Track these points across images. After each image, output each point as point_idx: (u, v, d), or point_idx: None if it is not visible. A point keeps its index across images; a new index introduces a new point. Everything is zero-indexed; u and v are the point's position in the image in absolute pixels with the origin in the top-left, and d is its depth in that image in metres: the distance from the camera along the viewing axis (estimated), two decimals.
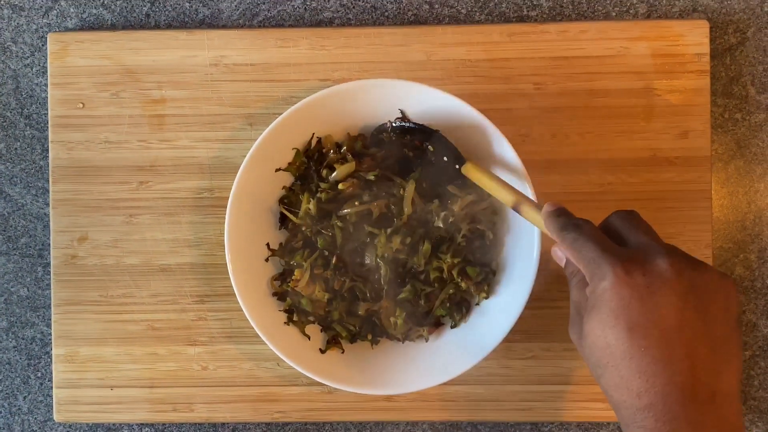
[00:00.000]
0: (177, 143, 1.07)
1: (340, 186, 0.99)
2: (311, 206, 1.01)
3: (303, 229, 1.08)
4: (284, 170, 1.01)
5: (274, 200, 1.02)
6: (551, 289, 1.05)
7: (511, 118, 1.02)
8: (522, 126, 1.05)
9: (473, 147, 0.97)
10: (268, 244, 1.03)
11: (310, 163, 1.02)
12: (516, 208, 0.90)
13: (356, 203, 0.99)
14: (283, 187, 1.03)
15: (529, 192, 0.93)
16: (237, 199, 0.96)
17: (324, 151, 1.01)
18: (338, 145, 1.01)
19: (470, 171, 0.96)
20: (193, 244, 1.06)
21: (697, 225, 1.04)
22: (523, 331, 1.02)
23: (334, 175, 1.00)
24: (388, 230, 1.07)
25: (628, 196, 1.05)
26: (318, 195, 0.99)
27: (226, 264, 0.96)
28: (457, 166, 0.97)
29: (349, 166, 1.01)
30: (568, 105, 1.06)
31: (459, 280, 1.02)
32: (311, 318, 1.02)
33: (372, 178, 0.99)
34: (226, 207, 0.95)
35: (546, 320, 1.05)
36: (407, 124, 0.99)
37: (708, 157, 1.04)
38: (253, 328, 0.96)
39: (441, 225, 1.00)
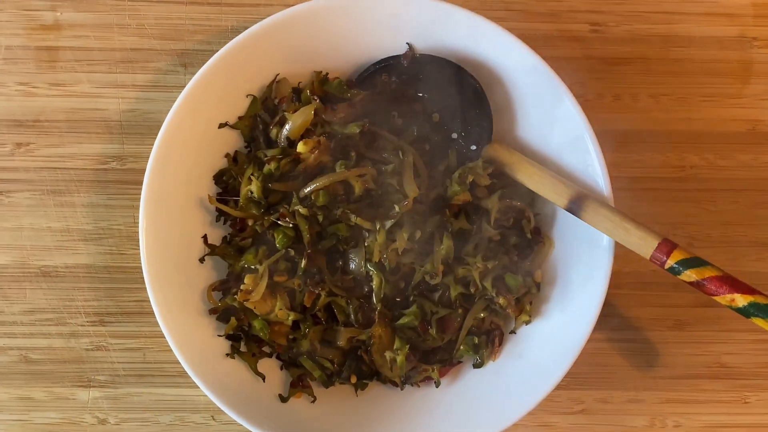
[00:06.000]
0: (74, 89, 0.86)
1: (299, 148, 0.77)
2: (254, 188, 0.77)
3: (250, 223, 0.80)
4: (232, 127, 0.81)
5: (211, 177, 0.82)
6: (613, 313, 0.87)
7: (559, 70, 0.79)
8: (573, 82, 0.86)
9: (510, 109, 0.82)
10: (205, 237, 0.80)
11: (258, 119, 0.81)
12: (573, 210, 0.76)
13: (325, 176, 0.76)
14: (227, 156, 0.82)
15: (602, 184, 0.77)
16: (158, 173, 0.76)
17: (276, 101, 0.81)
18: (297, 92, 0.81)
19: (500, 152, 0.80)
20: (92, 238, 0.86)
21: None
22: (571, 375, 0.78)
23: (286, 128, 0.78)
24: (387, 223, 0.76)
25: (718, 185, 0.89)
26: (266, 167, 0.77)
27: (139, 267, 0.77)
28: (474, 147, 0.81)
29: (306, 112, 0.77)
30: (636, 55, 0.89)
31: (493, 295, 0.79)
32: (267, 349, 0.81)
33: (350, 132, 0.78)
34: (142, 184, 0.76)
35: (604, 358, 0.88)
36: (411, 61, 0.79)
37: None
38: (178, 361, 0.76)
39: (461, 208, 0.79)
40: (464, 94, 0.80)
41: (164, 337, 0.79)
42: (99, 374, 0.86)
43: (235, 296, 0.77)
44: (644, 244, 0.73)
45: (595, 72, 0.89)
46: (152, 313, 0.79)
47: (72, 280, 0.86)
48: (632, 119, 0.89)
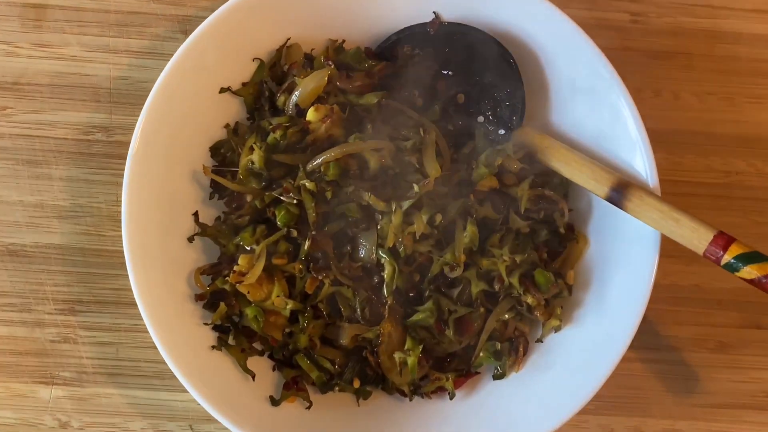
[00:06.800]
0: (62, 51, 0.81)
1: (309, 116, 0.71)
2: (255, 157, 0.70)
3: (248, 199, 0.73)
4: (234, 93, 0.75)
5: (206, 149, 0.76)
6: (648, 330, 0.81)
7: None
8: None
9: (544, 91, 0.76)
10: (196, 214, 0.74)
11: (264, 86, 0.75)
12: (614, 199, 0.70)
13: (338, 147, 0.70)
14: (226, 126, 0.75)
15: (650, 174, 0.72)
16: (145, 143, 0.71)
17: (286, 68, 0.75)
18: (310, 59, 0.76)
19: (532, 137, 0.74)
20: (68, 215, 0.80)
21: None
22: (601, 398, 0.74)
23: (295, 95, 0.72)
24: (404, 203, 0.69)
25: (766, 194, 0.84)
26: (271, 136, 0.71)
27: (119, 251, 0.74)
28: (502, 131, 0.75)
29: (319, 76, 0.71)
30: (679, 49, 0.85)
31: (520, 293, 0.71)
32: (258, 346, 0.74)
33: (367, 103, 0.72)
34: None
35: (637, 381, 0.81)
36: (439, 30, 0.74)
37: None
38: (154, 360, 0.77)
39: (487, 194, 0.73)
40: (495, 71, 0.74)
41: (141, 332, 0.77)
42: (64, 370, 0.79)
43: (227, 278, 0.69)
44: (697, 237, 0.66)
45: (633, 65, 0.84)
46: (130, 304, 0.76)
47: (41, 262, 0.79)
48: (673, 118, 0.84)
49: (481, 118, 0.75)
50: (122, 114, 0.80)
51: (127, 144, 0.74)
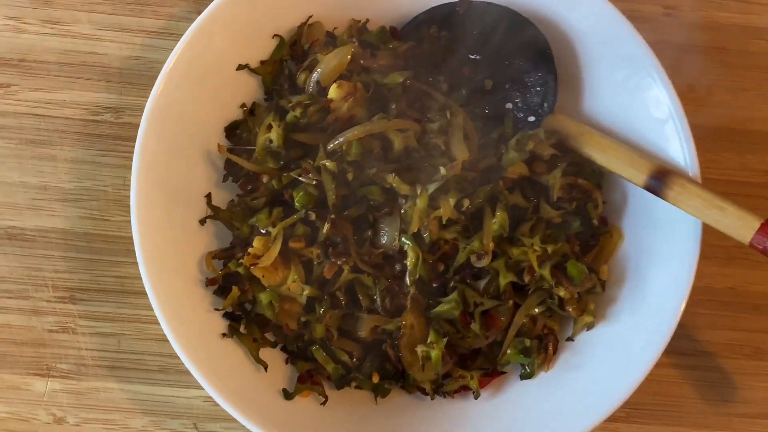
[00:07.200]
0: (71, 28, 0.79)
1: (331, 93, 0.68)
2: (274, 135, 0.68)
3: (264, 180, 0.69)
4: (252, 71, 0.72)
5: (221, 130, 0.73)
6: (683, 335, 0.77)
7: None
8: None
9: (577, 77, 0.74)
10: (208, 197, 0.71)
11: (284, 64, 0.72)
12: (654, 188, 0.68)
13: (360, 126, 0.67)
14: (243, 107, 0.72)
15: (691, 162, 0.69)
16: (156, 123, 0.69)
17: (306, 47, 0.72)
18: (332, 37, 0.73)
19: (564, 123, 0.72)
20: (72, 198, 0.77)
21: None
22: (633, 405, 0.73)
23: (317, 71, 0.69)
24: (430, 186, 0.66)
25: None
26: (290, 114, 0.68)
27: (125, 237, 0.74)
28: (532, 118, 0.73)
29: (342, 53, 0.69)
30: (713, 44, 0.83)
31: (552, 285, 0.68)
32: (271, 337, 0.70)
33: (391, 83, 0.69)
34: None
35: (670, 387, 0.78)
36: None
37: None
38: (158, 353, 0.74)
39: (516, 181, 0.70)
40: (527, 55, 0.71)
41: (145, 323, 0.74)
42: (61, 362, 0.75)
43: (241, 261, 0.65)
44: (743, 226, 0.63)
45: (666, 59, 0.79)
46: (134, 293, 0.74)
47: (42, 246, 0.76)
48: (707, 114, 0.82)
49: (509, 105, 0.72)
50: (132, 95, 0.77)
51: (136, 126, 0.71)
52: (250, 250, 0.65)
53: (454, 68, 0.72)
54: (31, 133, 0.76)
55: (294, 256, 0.66)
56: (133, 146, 0.69)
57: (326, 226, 0.65)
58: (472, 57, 0.72)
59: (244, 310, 0.68)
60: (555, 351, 0.70)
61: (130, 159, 0.68)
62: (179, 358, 0.67)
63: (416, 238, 0.66)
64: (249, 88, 0.72)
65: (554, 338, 0.70)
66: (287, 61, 0.72)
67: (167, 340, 0.67)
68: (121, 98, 0.77)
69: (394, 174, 0.66)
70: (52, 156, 0.76)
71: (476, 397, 0.69)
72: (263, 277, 0.65)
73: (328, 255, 0.66)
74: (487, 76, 0.72)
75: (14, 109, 0.76)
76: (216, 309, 0.67)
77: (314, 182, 0.66)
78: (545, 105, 0.71)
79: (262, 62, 0.71)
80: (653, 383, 0.74)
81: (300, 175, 0.66)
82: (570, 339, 0.70)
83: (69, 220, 0.76)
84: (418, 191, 0.65)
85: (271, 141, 0.67)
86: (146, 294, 0.70)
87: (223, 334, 0.67)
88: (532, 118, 0.72)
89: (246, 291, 0.67)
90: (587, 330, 0.70)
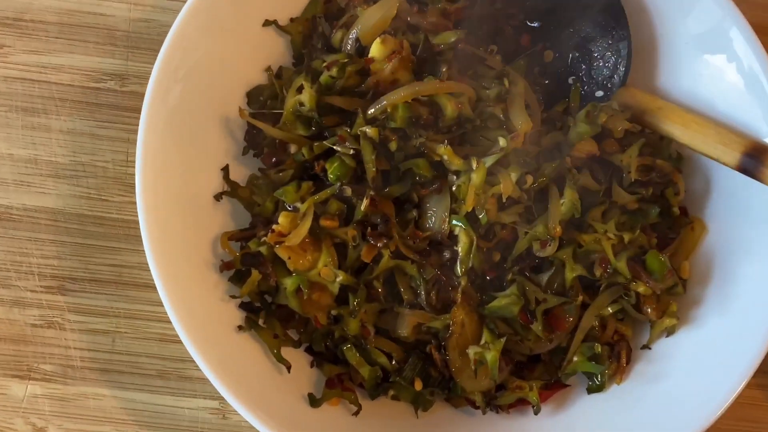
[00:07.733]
0: None
1: (373, 51, 0.61)
2: (305, 98, 0.60)
3: (292, 151, 0.62)
4: (281, 29, 0.65)
5: (241, 96, 0.66)
6: None
7: None
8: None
9: (652, 48, 0.67)
10: (225, 170, 0.64)
11: (317, 21, 0.65)
12: (749, 167, 0.61)
13: (407, 87, 0.60)
14: (267, 70, 0.66)
15: None
16: (165, 88, 0.63)
17: (343, 4, 0.67)
18: None
19: (638, 97, 0.64)
20: (66, 175, 0.73)
21: None
22: (715, 429, 0.63)
23: (357, 28, 0.62)
24: (487, 159, 0.58)
25: None
26: (325, 75, 0.61)
27: (125, 220, 0.69)
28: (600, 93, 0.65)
29: (386, 5, 0.62)
30: None
31: (628, 280, 0.60)
32: (294, 334, 0.62)
33: (442, 43, 0.62)
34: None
35: (755, 412, 0.71)
36: None
37: None
38: (158, 356, 0.67)
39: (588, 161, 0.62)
40: (596, 22, 0.65)
41: (143, 320, 0.68)
42: (45, 362, 0.69)
43: (264, 239, 0.57)
44: None
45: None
46: (132, 285, 0.70)
47: (29, 228, 0.71)
48: None
49: (573, 78, 0.65)
50: (140, 61, 0.73)
51: (142, 95, 0.66)
52: (274, 227, 0.57)
53: (509, 36, 0.65)
54: (23, 99, 0.72)
55: (326, 236, 0.58)
56: (138, 118, 0.64)
57: (364, 203, 0.58)
58: (531, 24, 0.66)
59: (263, 302, 0.60)
60: (628, 360, 0.61)
61: (135, 132, 0.64)
62: (182, 363, 0.63)
63: (470, 219, 0.58)
64: (274, 51, 0.66)
65: (627, 345, 0.61)
66: (320, 18, 0.64)
67: (168, 341, 0.64)
68: (127, 64, 0.73)
69: (445, 144, 0.58)
70: (46, 126, 0.71)
71: (536, 413, 0.60)
72: (289, 259, 0.57)
73: (366, 237, 0.58)
74: (548, 47, 0.66)
75: (5, 72, 0.73)
76: (232, 296, 0.58)
77: (351, 152, 0.59)
78: (615, 77, 0.64)
79: (292, 19, 0.64)
80: (737, 405, 0.64)
81: (335, 144, 0.58)
82: (646, 347, 0.62)
83: (61, 198, 0.71)
84: (474, 164, 0.57)
85: (301, 104, 0.59)
86: (146, 286, 0.65)
87: (239, 327, 0.58)
88: (600, 93, 0.64)
89: (267, 276, 0.58)
90: (666, 336, 0.62)
